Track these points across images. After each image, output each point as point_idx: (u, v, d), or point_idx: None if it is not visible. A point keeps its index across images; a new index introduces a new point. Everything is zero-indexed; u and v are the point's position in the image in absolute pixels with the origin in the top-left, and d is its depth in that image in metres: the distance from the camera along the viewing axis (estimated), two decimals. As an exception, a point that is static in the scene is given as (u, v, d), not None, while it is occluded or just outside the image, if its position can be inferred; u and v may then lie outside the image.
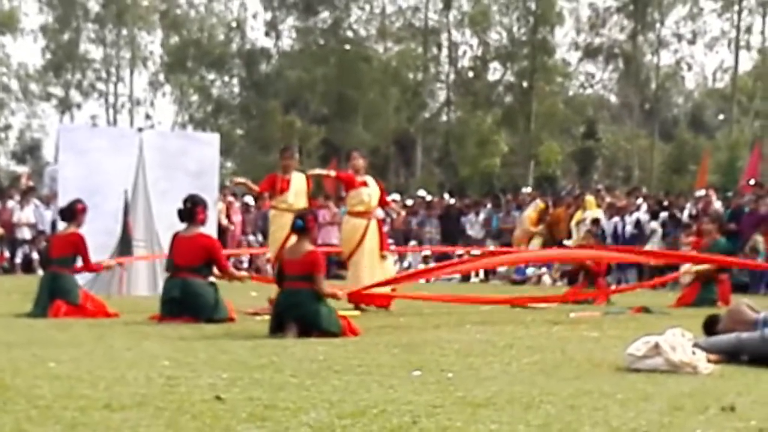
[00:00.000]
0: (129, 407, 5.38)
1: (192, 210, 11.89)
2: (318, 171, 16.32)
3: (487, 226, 27.85)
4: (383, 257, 14.46)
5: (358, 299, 13.25)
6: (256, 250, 24.70)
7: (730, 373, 7.13)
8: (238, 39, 54.72)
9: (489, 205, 28.71)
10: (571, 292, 16.77)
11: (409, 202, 30.25)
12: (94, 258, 13.03)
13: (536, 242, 25.85)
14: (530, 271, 25.01)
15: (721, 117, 54.88)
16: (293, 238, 10.38)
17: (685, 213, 24.22)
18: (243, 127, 54.35)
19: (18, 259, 26.57)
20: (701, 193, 25.34)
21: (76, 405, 5.41)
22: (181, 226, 11.96)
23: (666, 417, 5.25)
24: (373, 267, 14.10)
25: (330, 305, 10.03)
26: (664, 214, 24.43)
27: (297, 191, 13.90)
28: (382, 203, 14.86)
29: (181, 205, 11.96)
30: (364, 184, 14.41)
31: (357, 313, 12.74)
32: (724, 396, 5.92)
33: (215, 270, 11.93)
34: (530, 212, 26.47)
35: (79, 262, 12.71)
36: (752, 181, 25.69)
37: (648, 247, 23.44)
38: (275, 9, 52.54)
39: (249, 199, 28.93)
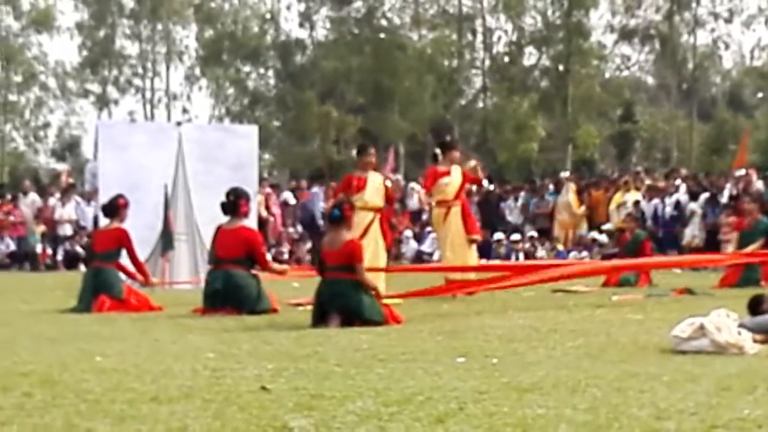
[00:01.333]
0: (176, 399, 5.41)
1: (235, 203, 11.93)
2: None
3: (525, 212, 27.79)
4: (472, 241, 14.65)
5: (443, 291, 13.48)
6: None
7: (776, 353, 7.09)
8: (273, 31, 54.73)
9: (524, 191, 28.64)
10: (613, 274, 16.68)
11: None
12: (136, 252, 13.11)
13: (583, 226, 25.79)
14: (572, 255, 24.91)
15: (760, 95, 54.38)
16: (331, 229, 10.37)
17: (725, 193, 24.04)
18: (279, 118, 54.39)
19: (60, 256, 26.77)
20: (741, 172, 25.13)
21: (124, 398, 5.45)
22: (223, 219, 12.00)
23: (714, 398, 5.23)
24: (455, 252, 14.38)
25: (372, 294, 10.03)
26: (704, 195, 24.24)
27: (374, 189, 13.95)
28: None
29: (223, 198, 12.00)
30: (447, 173, 14.57)
31: (399, 301, 12.73)
32: (771, 376, 5.89)
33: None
34: (570, 196, 26.36)
35: (124, 258, 12.78)
36: None
37: (688, 229, 23.31)
38: (309, 0, 52.55)
39: (288, 195, 28.98)
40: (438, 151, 14.81)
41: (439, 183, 14.54)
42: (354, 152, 14.39)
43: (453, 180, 14.57)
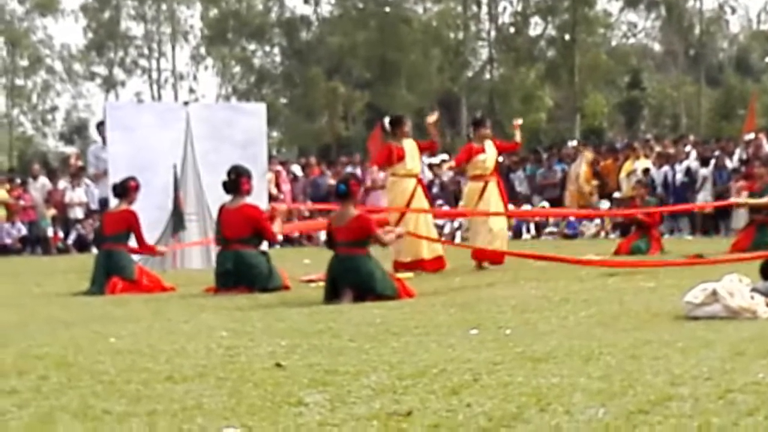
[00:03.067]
0: (191, 378, 5.43)
1: (236, 181, 11.91)
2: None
3: (532, 183, 27.72)
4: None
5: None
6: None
7: (790, 317, 7.08)
8: (277, 8, 54.73)
9: (529, 163, 28.55)
10: (624, 243, 16.71)
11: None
12: (147, 234, 13.14)
13: (594, 198, 25.71)
14: (584, 224, 24.90)
15: (767, 59, 54.22)
16: (338, 205, 10.39)
17: (735, 158, 23.96)
18: (286, 95, 54.42)
19: (71, 239, 26.81)
20: (750, 136, 25.04)
21: (139, 378, 5.47)
22: (227, 199, 12.00)
23: (728, 363, 5.23)
24: (498, 222, 14.65)
25: (383, 268, 10.05)
26: (713, 161, 24.17)
27: (412, 156, 14.27)
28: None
29: (225, 177, 12.00)
30: (482, 150, 14.71)
31: (410, 275, 12.76)
32: (785, 339, 5.89)
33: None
34: (582, 167, 26.26)
35: (133, 241, 12.81)
36: None
37: (700, 195, 23.25)
38: (313, -24, 52.48)
39: (296, 168, 29.03)
40: (387, 123, 14.82)
41: (476, 160, 14.65)
42: (387, 123, 14.51)
43: (489, 155, 14.73)
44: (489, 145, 14.82)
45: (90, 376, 5.59)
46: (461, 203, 16.89)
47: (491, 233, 14.36)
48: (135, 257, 13.07)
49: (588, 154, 26.72)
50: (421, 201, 14.30)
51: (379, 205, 24.25)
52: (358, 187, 10.42)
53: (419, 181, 14.57)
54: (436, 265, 13.91)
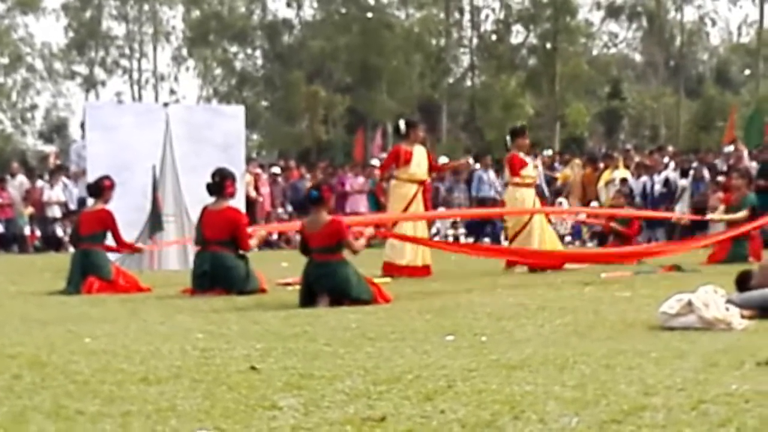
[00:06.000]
0: (165, 380, 5.42)
1: (221, 183, 11.90)
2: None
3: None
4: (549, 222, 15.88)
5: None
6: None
7: (764, 328, 7.11)
8: (260, 11, 54.69)
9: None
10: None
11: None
12: (125, 235, 13.11)
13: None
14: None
15: (746, 72, 54.47)
16: (311, 210, 10.36)
17: (715, 168, 24.01)
18: (267, 98, 54.39)
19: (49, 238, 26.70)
20: (730, 148, 25.13)
21: (114, 379, 5.45)
22: (210, 200, 11.99)
23: (701, 374, 5.25)
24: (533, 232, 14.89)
25: (359, 273, 10.06)
26: (690, 172, 24.26)
27: (418, 162, 14.18)
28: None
29: (209, 179, 11.98)
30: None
31: (387, 280, 12.76)
32: (759, 351, 5.90)
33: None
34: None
35: (110, 240, 12.78)
36: None
37: (678, 206, 23.33)
38: (296, -21, 52.46)
39: (276, 170, 29.00)
40: (402, 125, 14.86)
41: (528, 167, 15.05)
42: (402, 126, 14.53)
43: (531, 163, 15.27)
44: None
45: (64, 376, 5.57)
46: None
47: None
48: (112, 257, 13.03)
49: (578, 161, 26.92)
50: (418, 208, 14.19)
51: (358, 209, 24.31)
52: (331, 194, 10.42)
53: (424, 187, 14.43)
54: (423, 273, 13.90)
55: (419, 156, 14.19)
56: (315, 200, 10.14)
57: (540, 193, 15.67)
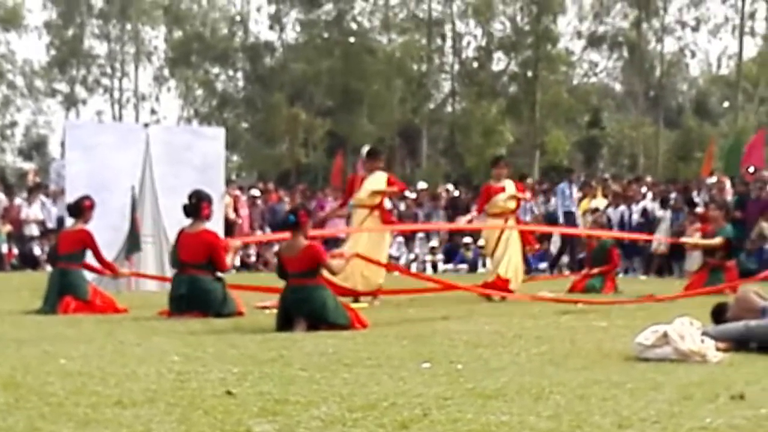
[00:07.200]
0: (140, 403, 5.40)
1: (197, 205, 11.90)
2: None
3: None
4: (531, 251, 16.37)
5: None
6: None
7: (739, 361, 7.14)
8: (242, 33, 54.73)
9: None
10: (579, 281, 16.81)
11: (413, 195, 30.15)
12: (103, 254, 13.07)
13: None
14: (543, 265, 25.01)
15: (726, 104, 54.74)
16: (288, 235, 10.35)
17: (697, 200, 24.07)
18: (248, 120, 54.37)
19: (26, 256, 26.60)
20: (713, 180, 25.26)
21: (88, 402, 5.43)
22: (188, 222, 11.97)
23: (675, 406, 5.27)
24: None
25: (336, 298, 10.06)
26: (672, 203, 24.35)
27: (365, 188, 14.27)
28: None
29: (186, 201, 11.97)
30: (503, 189, 15.37)
31: (365, 305, 12.76)
32: (733, 384, 5.94)
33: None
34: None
35: (90, 259, 12.74)
36: (752, 169, 25.27)
37: (656, 235, 23.40)
38: (279, 2, 52.47)
39: (255, 192, 28.99)
40: (365, 153, 15.08)
41: (496, 199, 15.27)
42: (365, 153, 14.88)
43: (508, 193, 15.39)
44: (509, 185, 15.48)
45: (38, 398, 5.55)
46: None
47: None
48: (89, 276, 12.99)
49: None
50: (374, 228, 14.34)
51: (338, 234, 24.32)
52: (308, 218, 10.39)
53: (374, 210, 14.41)
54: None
55: (371, 182, 14.25)
56: (292, 225, 10.15)
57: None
